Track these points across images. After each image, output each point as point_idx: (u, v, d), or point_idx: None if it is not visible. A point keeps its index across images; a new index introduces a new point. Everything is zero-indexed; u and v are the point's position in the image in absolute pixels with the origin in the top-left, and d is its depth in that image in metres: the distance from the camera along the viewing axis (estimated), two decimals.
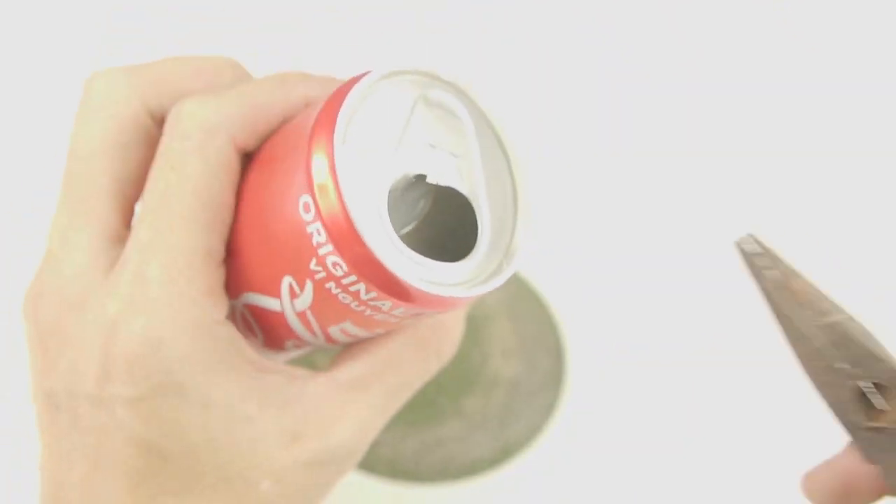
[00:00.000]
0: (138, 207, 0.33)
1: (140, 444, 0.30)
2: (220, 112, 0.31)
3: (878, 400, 0.27)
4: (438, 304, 0.29)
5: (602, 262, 0.59)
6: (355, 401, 0.33)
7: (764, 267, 0.28)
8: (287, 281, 0.30)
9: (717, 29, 0.66)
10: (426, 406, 0.51)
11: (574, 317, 0.56)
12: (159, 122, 0.33)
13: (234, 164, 0.31)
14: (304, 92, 0.32)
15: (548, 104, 0.63)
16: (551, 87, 0.63)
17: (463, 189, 0.30)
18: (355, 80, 0.29)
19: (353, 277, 0.28)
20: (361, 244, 0.27)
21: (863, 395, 0.27)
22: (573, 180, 0.61)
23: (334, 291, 0.29)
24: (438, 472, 0.50)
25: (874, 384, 0.27)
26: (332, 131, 0.28)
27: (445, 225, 0.31)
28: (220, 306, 0.31)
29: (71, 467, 0.31)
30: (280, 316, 0.31)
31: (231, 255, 0.32)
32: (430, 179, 0.29)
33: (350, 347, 0.34)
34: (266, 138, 0.32)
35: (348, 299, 0.29)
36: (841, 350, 0.27)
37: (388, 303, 0.29)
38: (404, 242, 0.29)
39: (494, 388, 0.52)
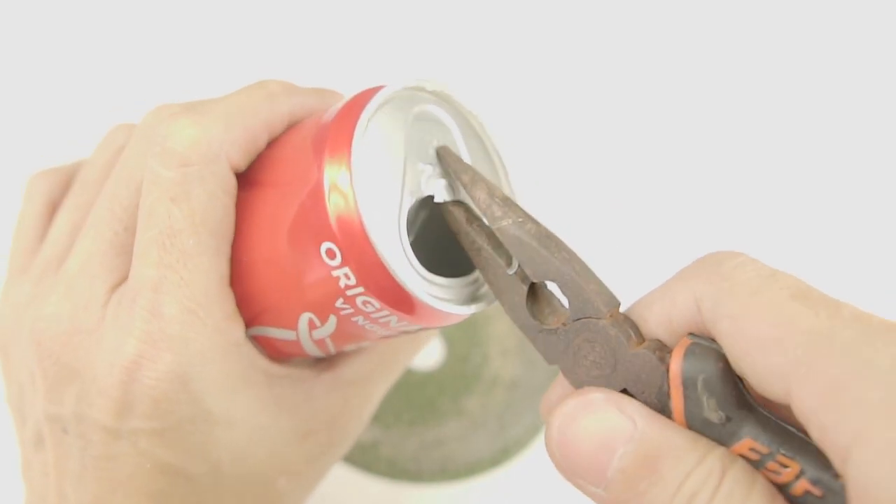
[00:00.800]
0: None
1: (165, 469, 0.30)
2: (216, 136, 0.30)
3: (538, 306, 0.28)
4: (457, 319, 0.30)
5: (601, 261, 0.59)
6: (357, 394, 0.34)
7: (457, 175, 0.29)
8: (306, 316, 0.30)
9: (708, 28, 0.66)
10: (426, 406, 0.52)
11: None
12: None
13: (233, 187, 0.31)
14: (289, 109, 0.31)
15: (547, 102, 0.63)
16: (548, 85, 0.64)
17: (465, 199, 0.30)
18: (355, 109, 0.28)
19: (386, 312, 0.28)
20: (396, 285, 0.28)
21: (535, 300, 0.28)
22: (572, 178, 0.61)
23: (361, 323, 0.29)
24: (438, 472, 0.50)
25: (535, 292, 0.28)
26: (351, 176, 0.27)
27: (441, 230, 0.32)
28: (239, 327, 0.31)
29: (80, 486, 0.31)
30: (294, 343, 0.32)
31: (233, 283, 0.31)
32: (438, 199, 0.29)
33: (354, 351, 0.35)
34: (256, 156, 0.31)
35: (376, 327, 0.30)
36: (511, 251, 0.27)
37: (416, 326, 0.30)
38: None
39: (494, 388, 0.52)
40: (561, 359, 0.27)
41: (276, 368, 0.32)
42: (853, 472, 0.21)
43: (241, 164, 0.31)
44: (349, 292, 0.28)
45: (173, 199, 0.29)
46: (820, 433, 0.22)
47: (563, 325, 0.27)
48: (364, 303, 0.28)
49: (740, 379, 0.25)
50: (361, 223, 0.27)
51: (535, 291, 0.28)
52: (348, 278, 0.28)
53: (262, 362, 0.32)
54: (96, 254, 0.31)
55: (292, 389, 0.32)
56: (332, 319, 0.29)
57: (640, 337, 0.26)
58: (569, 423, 0.25)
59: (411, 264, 0.28)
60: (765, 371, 0.23)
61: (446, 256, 0.30)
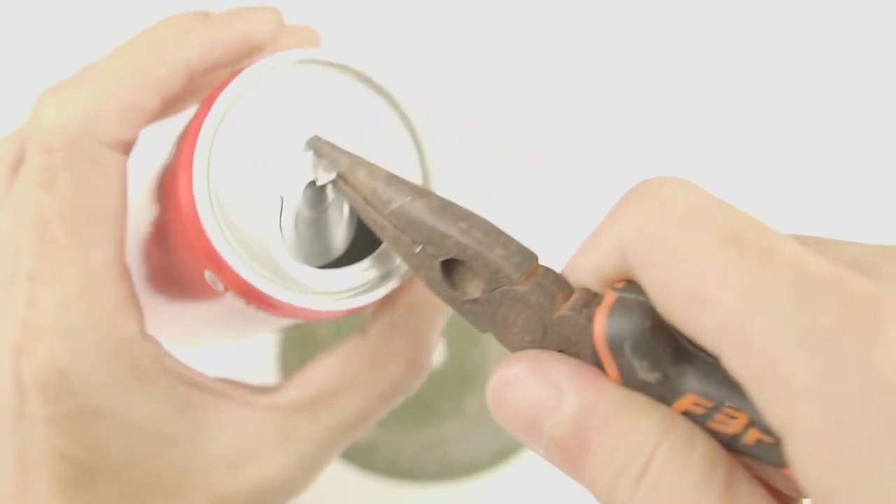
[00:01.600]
0: None
1: (66, 459, 0.29)
2: (77, 117, 0.28)
3: (458, 274, 0.26)
4: (344, 313, 0.28)
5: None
6: (299, 432, 0.30)
7: (331, 166, 0.27)
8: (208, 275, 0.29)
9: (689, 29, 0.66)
10: (426, 406, 0.51)
11: None
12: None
13: (114, 165, 0.28)
14: (184, 57, 0.29)
15: (552, 101, 0.63)
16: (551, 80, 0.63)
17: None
18: (207, 102, 0.27)
19: (265, 314, 0.28)
20: (273, 300, 0.27)
21: (451, 270, 0.26)
22: (572, 176, 0.61)
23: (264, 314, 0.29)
24: (438, 472, 0.50)
25: (453, 259, 0.26)
26: (192, 181, 0.26)
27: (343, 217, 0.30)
28: (131, 320, 0.29)
29: (5, 468, 0.30)
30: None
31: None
32: (322, 181, 0.28)
33: (303, 369, 0.31)
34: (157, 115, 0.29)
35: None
36: (410, 234, 0.26)
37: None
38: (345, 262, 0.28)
39: None
40: (491, 327, 0.25)
41: (199, 378, 0.30)
42: (788, 456, 0.19)
43: (126, 134, 0.29)
44: (241, 305, 0.28)
45: (41, 186, 0.28)
46: (755, 404, 0.20)
47: (484, 294, 0.25)
48: (255, 309, 0.28)
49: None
50: (208, 240, 0.26)
51: (449, 262, 0.26)
52: (236, 300, 0.27)
53: (174, 366, 0.30)
54: (3, 231, 0.30)
55: (216, 404, 0.30)
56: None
57: (568, 288, 0.24)
58: (497, 399, 0.23)
59: (289, 280, 0.27)
60: (695, 330, 0.21)
61: (355, 242, 0.29)
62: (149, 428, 0.29)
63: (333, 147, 0.27)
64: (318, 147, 0.28)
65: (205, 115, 0.26)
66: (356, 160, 0.27)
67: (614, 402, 0.22)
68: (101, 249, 0.28)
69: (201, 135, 0.26)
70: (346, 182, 0.27)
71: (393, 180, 0.26)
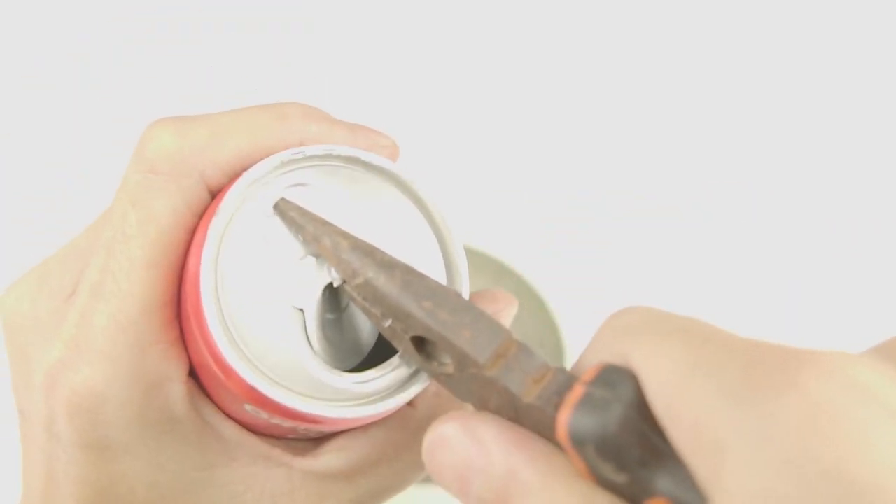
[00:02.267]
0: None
1: (89, 485, 0.29)
2: (192, 150, 0.28)
3: (429, 350, 0.26)
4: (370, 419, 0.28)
5: (602, 261, 0.59)
6: (335, 495, 0.30)
7: (301, 229, 0.27)
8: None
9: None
10: None
11: (574, 317, 0.56)
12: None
13: (200, 205, 0.28)
14: (301, 136, 0.28)
15: (545, 110, 0.63)
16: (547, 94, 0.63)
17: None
18: (203, 228, 0.27)
19: (304, 426, 0.28)
20: (304, 415, 0.26)
21: (424, 343, 0.25)
22: (572, 181, 0.61)
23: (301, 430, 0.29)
24: None
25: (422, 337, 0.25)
26: (205, 317, 0.25)
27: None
28: (175, 362, 0.28)
29: (34, 476, 0.30)
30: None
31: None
32: (336, 283, 0.27)
33: (347, 433, 0.31)
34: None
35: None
36: (378, 308, 0.25)
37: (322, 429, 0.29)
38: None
39: None
40: (469, 400, 0.25)
41: (236, 435, 0.29)
42: None
43: (222, 182, 0.29)
44: (261, 416, 0.27)
45: (133, 204, 0.28)
46: (693, 476, 0.20)
47: (456, 371, 0.25)
48: (284, 422, 0.28)
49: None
50: (242, 379, 0.26)
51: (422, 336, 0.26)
52: (257, 413, 0.27)
53: (213, 418, 0.29)
54: (78, 247, 0.30)
55: (251, 462, 0.29)
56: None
57: (542, 368, 0.23)
58: (429, 456, 0.23)
59: (319, 394, 0.26)
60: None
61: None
62: (176, 472, 0.29)
63: (300, 211, 0.27)
64: (284, 211, 0.27)
65: (204, 234, 0.26)
66: (324, 228, 0.26)
67: (537, 472, 0.22)
68: (170, 285, 0.28)
69: (204, 252, 0.26)
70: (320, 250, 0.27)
71: (358, 250, 0.26)
